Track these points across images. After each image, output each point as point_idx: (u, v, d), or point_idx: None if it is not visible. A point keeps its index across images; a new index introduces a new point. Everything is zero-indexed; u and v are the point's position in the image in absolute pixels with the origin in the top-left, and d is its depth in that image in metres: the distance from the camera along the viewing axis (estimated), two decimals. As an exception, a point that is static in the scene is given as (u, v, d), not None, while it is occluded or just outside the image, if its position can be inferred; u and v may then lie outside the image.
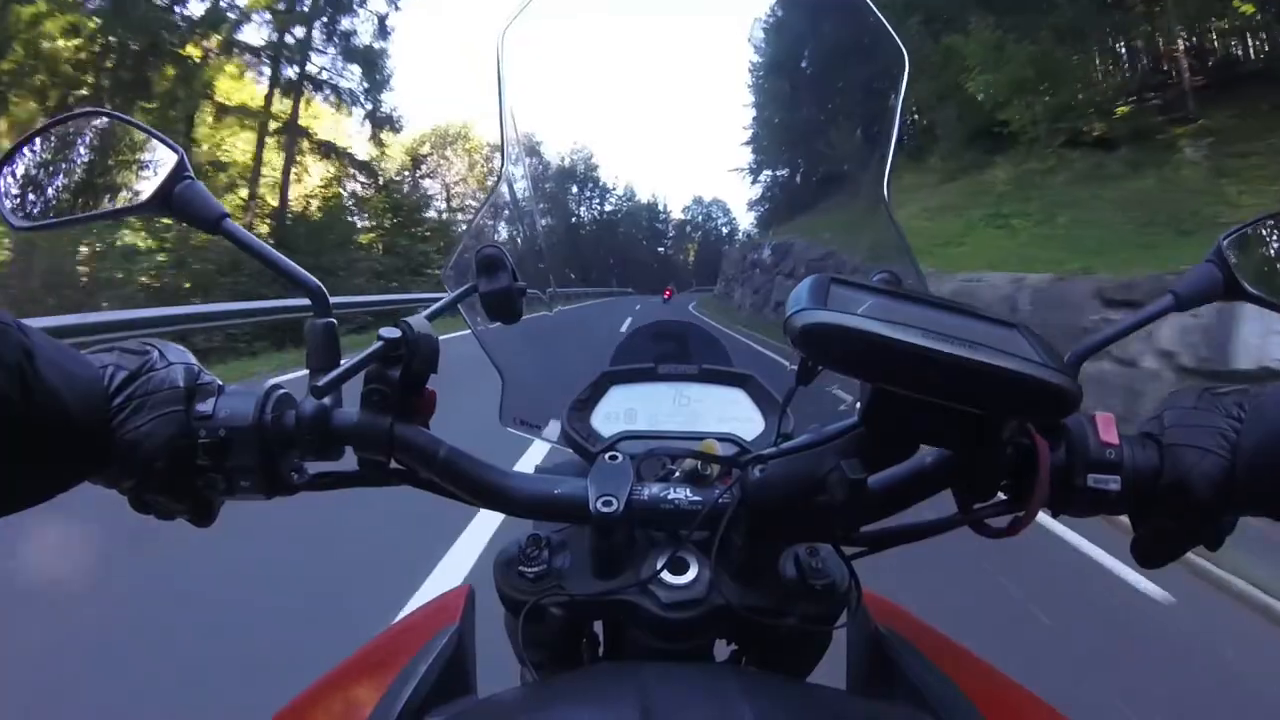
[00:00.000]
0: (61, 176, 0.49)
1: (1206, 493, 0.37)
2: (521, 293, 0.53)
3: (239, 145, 19.33)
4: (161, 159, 0.47)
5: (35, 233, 0.49)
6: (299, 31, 19.58)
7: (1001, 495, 0.42)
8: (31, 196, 0.49)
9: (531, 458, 2.25)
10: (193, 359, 0.43)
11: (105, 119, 0.51)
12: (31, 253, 11.61)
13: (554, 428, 0.63)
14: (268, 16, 18.76)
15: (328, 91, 21.12)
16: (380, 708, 0.41)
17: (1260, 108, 8.90)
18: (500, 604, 0.47)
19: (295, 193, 20.74)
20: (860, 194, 0.67)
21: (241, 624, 2.07)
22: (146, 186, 0.47)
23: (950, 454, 0.41)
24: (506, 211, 0.69)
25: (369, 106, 21.77)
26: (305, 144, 20.84)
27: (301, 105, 20.48)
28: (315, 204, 21.01)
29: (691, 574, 0.43)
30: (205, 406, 0.40)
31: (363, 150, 22.78)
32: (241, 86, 19.39)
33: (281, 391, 0.43)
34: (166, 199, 0.45)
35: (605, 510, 0.42)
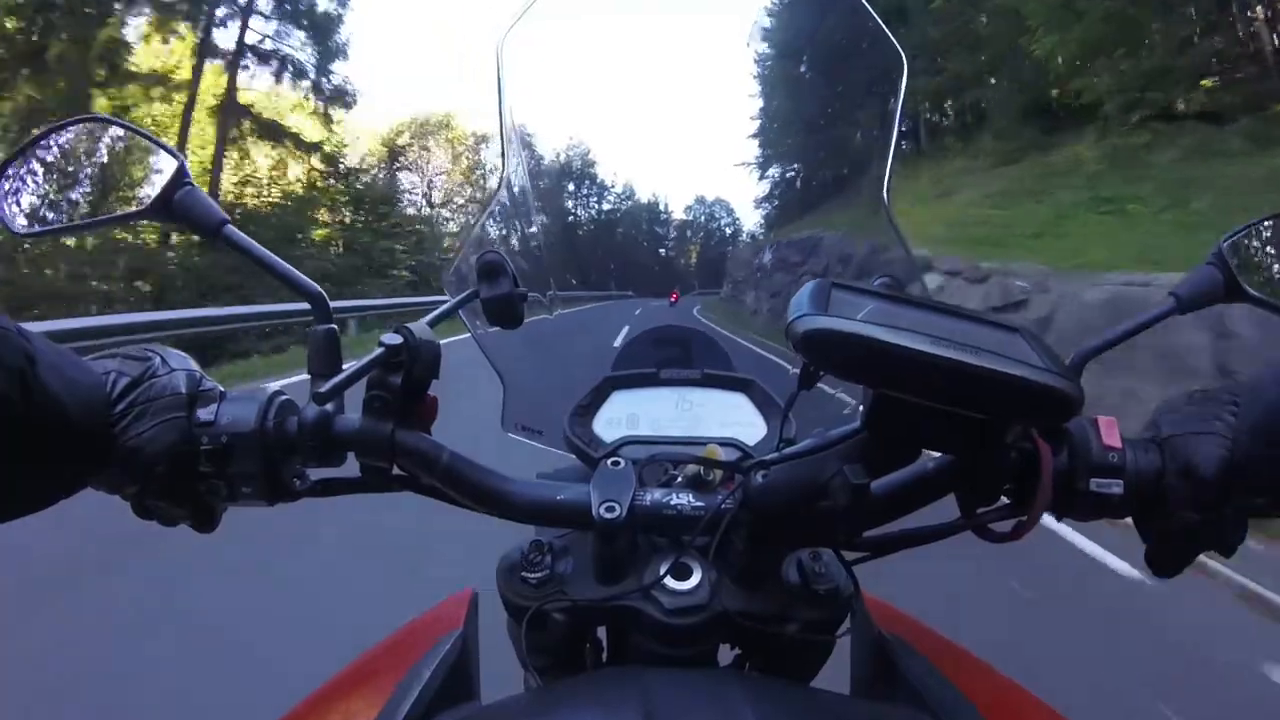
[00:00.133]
0: (62, 182, 0.49)
1: (1209, 474, 0.37)
2: (523, 298, 0.53)
3: (161, 120, 16.43)
4: (161, 165, 0.47)
5: (36, 239, 0.49)
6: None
7: (1004, 499, 0.42)
8: (32, 203, 0.49)
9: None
10: (194, 365, 0.43)
11: (106, 125, 0.51)
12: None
13: (556, 433, 0.63)
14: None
15: (274, 65, 18.59)
16: (384, 714, 0.41)
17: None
18: (503, 608, 0.47)
19: (232, 180, 18.53)
20: (862, 196, 0.67)
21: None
22: (146, 192, 0.47)
23: (953, 459, 0.41)
24: (507, 216, 0.69)
25: (316, 78, 19.29)
26: (247, 125, 18.41)
27: (249, 84, 18.03)
28: (253, 193, 19.05)
29: (694, 579, 0.43)
30: (207, 413, 0.40)
31: (321, 134, 20.20)
32: (169, 53, 16.76)
33: (283, 398, 0.43)
34: (167, 205, 0.45)
35: (608, 516, 0.42)
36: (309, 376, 0.44)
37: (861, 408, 0.37)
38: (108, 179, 0.50)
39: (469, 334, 0.59)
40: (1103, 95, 9.84)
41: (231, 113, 18.09)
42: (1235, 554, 0.39)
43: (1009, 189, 10.40)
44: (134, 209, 0.48)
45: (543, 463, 0.61)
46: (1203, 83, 9.54)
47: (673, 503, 0.44)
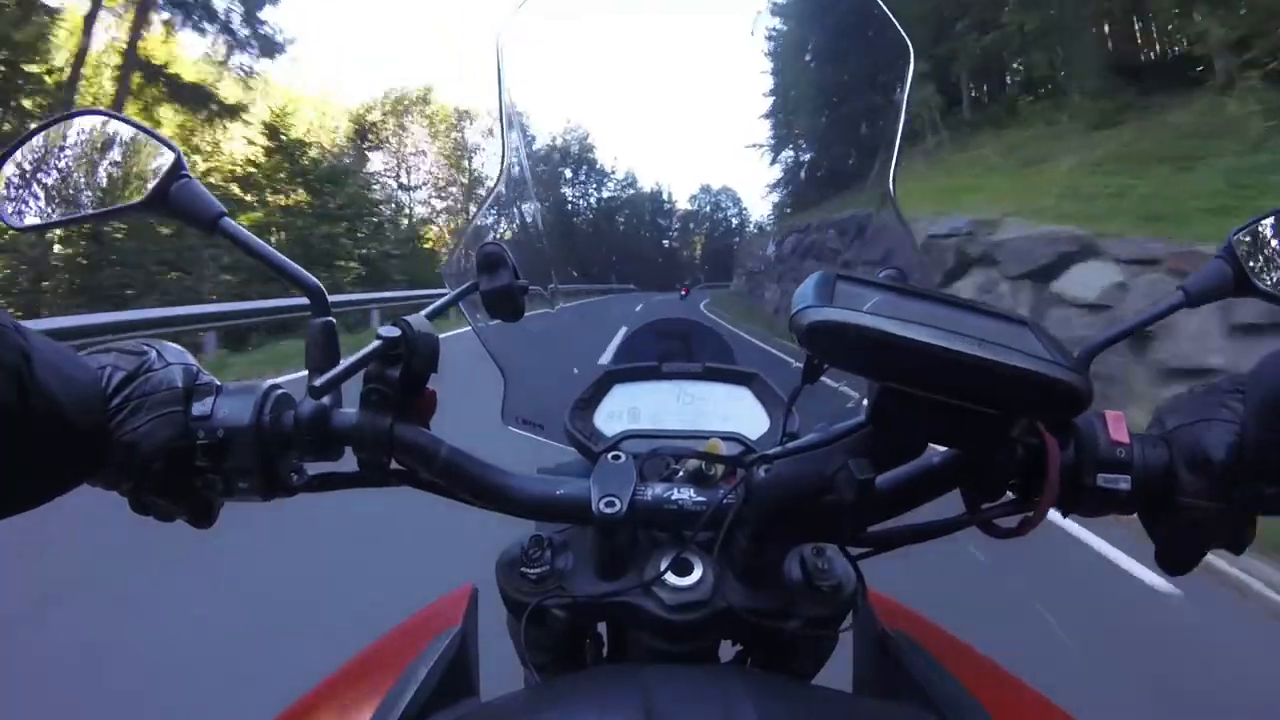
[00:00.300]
0: (58, 176, 0.49)
1: (1218, 461, 0.37)
2: (523, 290, 0.52)
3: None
4: (158, 158, 0.47)
5: (34, 233, 0.49)
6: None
7: (1010, 495, 0.41)
8: (28, 196, 0.48)
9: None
10: (191, 359, 0.43)
11: (102, 118, 0.51)
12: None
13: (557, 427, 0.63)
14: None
15: (185, 11, 15.44)
16: (381, 710, 0.41)
17: None
18: (503, 604, 0.47)
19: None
20: (866, 188, 0.66)
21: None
22: (143, 186, 0.47)
23: (958, 453, 0.41)
24: (507, 207, 0.68)
25: (231, 20, 16.10)
26: (155, 86, 15.34)
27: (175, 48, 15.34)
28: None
29: (696, 575, 0.42)
30: (203, 407, 0.40)
31: (256, 98, 17.39)
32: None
33: (280, 392, 0.43)
34: (163, 198, 0.45)
35: (608, 511, 0.41)
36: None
37: (866, 401, 0.37)
38: (104, 172, 0.50)
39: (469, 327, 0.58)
40: (1224, 43, 8.28)
41: (144, 72, 15.27)
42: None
43: (1124, 154, 8.74)
44: (130, 202, 0.47)
45: (543, 457, 0.61)
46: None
47: (674, 498, 0.43)
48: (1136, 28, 10.49)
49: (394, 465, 0.44)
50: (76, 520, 1.20)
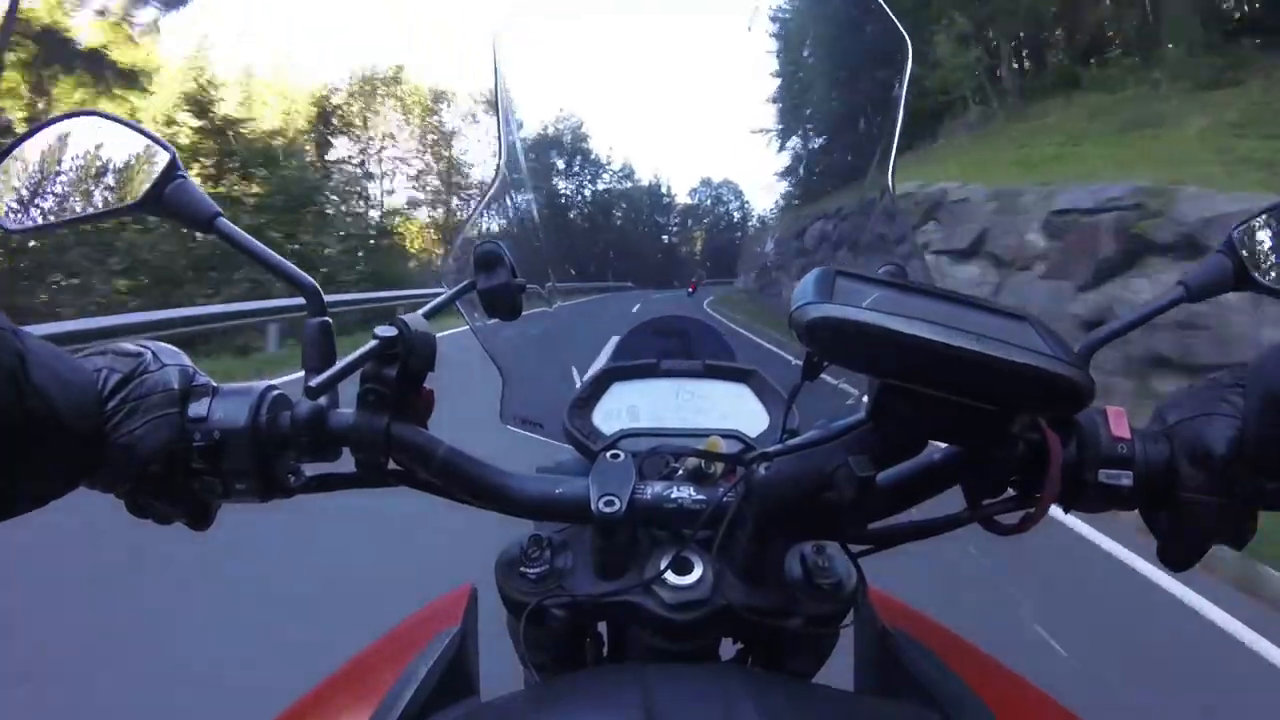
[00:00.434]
0: (53, 178, 0.49)
1: (1219, 454, 0.36)
2: (521, 289, 0.52)
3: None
4: (153, 158, 0.47)
5: (28, 235, 0.49)
6: None
7: (1011, 491, 0.41)
8: (23, 199, 0.48)
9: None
10: (187, 360, 0.42)
11: (97, 119, 0.51)
12: None
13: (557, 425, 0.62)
14: None
15: None
16: (381, 710, 0.41)
17: None
18: (502, 604, 0.47)
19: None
20: (865, 184, 0.66)
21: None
22: (138, 186, 0.46)
23: (959, 450, 0.40)
24: (505, 205, 0.68)
25: None
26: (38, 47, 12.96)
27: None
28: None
29: (696, 574, 0.42)
30: (199, 409, 0.40)
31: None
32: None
33: (276, 392, 0.43)
34: (158, 198, 0.45)
35: (607, 510, 0.41)
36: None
37: (866, 398, 0.36)
38: (99, 173, 0.50)
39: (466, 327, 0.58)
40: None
41: (31, 38, 13.06)
42: None
43: (1263, 115, 7.49)
44: (126, 203, 0.47)
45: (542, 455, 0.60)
46: None
47: (673, 496, 0.43)
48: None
49: (392, 465, 0.43)
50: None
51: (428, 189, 29.25)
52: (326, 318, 0.45)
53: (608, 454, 0.46)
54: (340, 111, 24.79)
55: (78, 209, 0.48)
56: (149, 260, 11.53)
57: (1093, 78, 12.13)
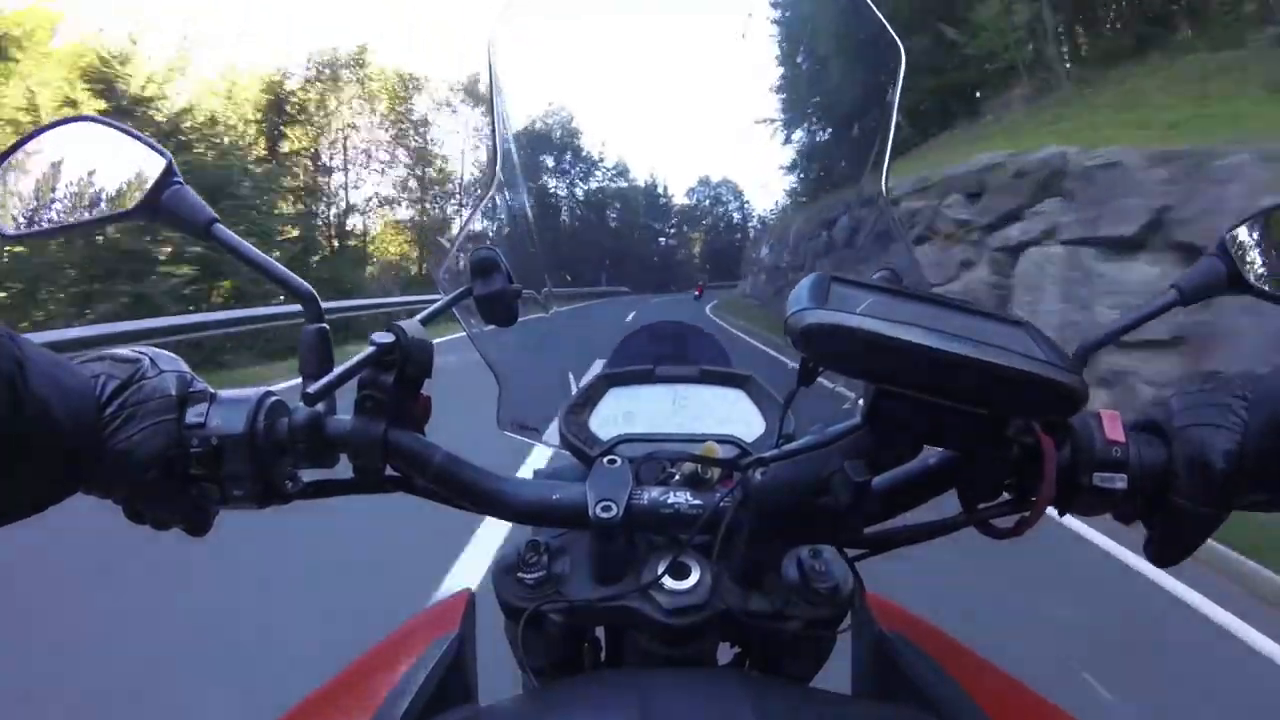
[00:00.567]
0: (48, 184, 0.49)
1: (1218, 469, 0.37)
2: (517, 295, 0.52)
3: None
4: (149, 164, 0.47)
5: (23, 241, 0.49)
6: None
7: (1006, 495, 0.41)
8: (19, 205, 0.48)
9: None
10: (184, 366, 0.42)
11: (93, 125, 0.51)
12: None
13: (553, 431, 0.62)
14: None
15: None
16: (377, 717, 0.40)
17: None
18: (500, 609, 0.47)
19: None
20: (861, 190, 0.66)
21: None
22: (134, 192, 0.46)
23: (954, 454, 0.41)
24: (501, 211, 0.68)
25: None
26: None
27: None
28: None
29: (693, 579, 0.42)
30: (197, 415, 0.40)
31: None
32: None
33: (274, 399, 0.43)
34: (154, 205, 0.45)
35: (604, 516, 0.41)
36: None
37: (862, 403, 0.37)
38: (95, 179, 0.50)
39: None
40: None
41: None
42: None
43: None
44: (122, 209, 0.47)
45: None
46: None
47: (670, 501, 0.43)
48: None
49: (389, 471, 0.43)
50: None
51: (398, 185, 26.37)
52: (323, 324, 0.45)
53: (604, 459, 0.46)
54: (295, 98, 21.73)
55: (74, 215, 0.48)
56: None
57: (1176, 42, 10.05)
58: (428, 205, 26.98)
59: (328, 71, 23.19)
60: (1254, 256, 0.48)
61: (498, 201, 0.65)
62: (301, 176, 21.99)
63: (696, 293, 2.53)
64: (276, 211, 15.56)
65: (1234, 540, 2.77)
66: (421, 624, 0.53)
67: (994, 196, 6.23)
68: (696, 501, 0.43)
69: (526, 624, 0.43)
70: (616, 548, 0.43)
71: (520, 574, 0.44)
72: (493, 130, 0.62)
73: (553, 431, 0.60)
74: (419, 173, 26.62)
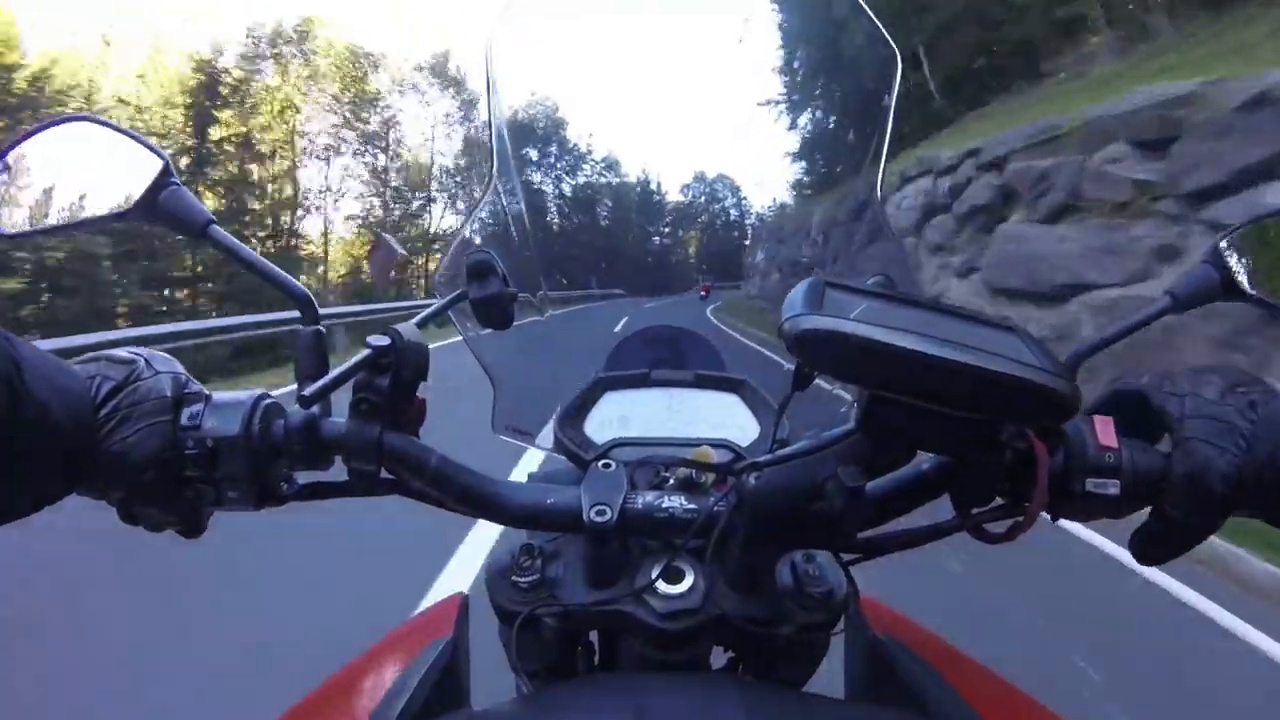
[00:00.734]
0: (44, 184, 0.48)
1: (1216, 488, 0.37)
2: (513, 298, 0.52)
3: None
4: (146, 164, 0.47)
5: (18, 241, 0.49)
6: None
7: (999, 500, 0.42)
8: (14, 205, 0.48)
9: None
10: (180, 368, 0.42)
11: (89, 125, 0.51)
12: None
13: (548, 435, 0.62)
14: None
15: None
16: None
17: None
18: (494, 613, 0.46)
19: None
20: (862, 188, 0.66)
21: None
22: (130, 193, 0.46)
23: (948, 459, 0.41)
24: (496, 214, 0.68)
25: None
26: None
27: None
28: None
29: (687, 583, 0.42)
30: (192, 417, 0.40)
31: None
32: None
33: (269, 401, 0.42)
34: (151, 205, 0.45)
35: (599, 520, 0.41)
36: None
37: (856, 408, 0.37)
38: (91, 180, 0.50)
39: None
40: None
41: None
42: None
43: None
44: (118, 209, 0.47)
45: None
46: None
47: (664, 505, 0.43)
48: None
49: (384, 474, 0.43)
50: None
51: (350, 174, 22.85)
52: (319, 326, 0.45)
53: (599, 463, 0.46)
54: (229, 77, 19.03)
55: (70, 215, 0.48)
56: None
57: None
58: (388, 200, 24.04)
59: (268, 47, 20.03)
60: (1247, 263, 0.48)
61: (493, 204, 0.65)
62: (229, 167, 18.89)
63: (702, 293, 2.51)
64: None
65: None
66: (415, 628, 0.53)
67: (1198, 142, 4.07)
68: (691, 506, 0.43)
69: (520, 628, 0.43)
70: (610, 552, 0.43)
71: (514, 577, 0.44)
72: (490, 133, 0.62)
73: (547, 435, 0.60)
74: (376, 165, 23.47)
